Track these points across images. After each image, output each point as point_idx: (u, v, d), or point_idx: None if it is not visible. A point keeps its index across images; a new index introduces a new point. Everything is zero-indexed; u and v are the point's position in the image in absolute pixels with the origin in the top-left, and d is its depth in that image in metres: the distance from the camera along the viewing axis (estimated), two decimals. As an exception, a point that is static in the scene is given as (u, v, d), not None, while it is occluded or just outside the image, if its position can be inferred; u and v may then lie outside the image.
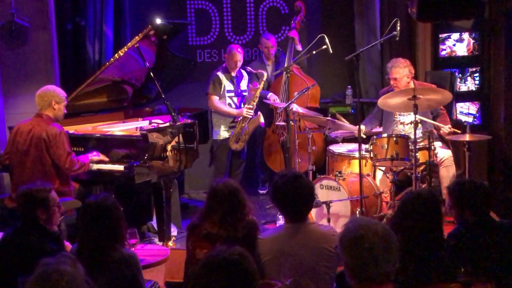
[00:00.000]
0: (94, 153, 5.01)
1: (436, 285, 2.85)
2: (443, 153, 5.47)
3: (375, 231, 2.23)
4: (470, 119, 6.67)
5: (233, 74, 6.17)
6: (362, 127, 5.63)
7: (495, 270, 3.09)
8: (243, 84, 6.25)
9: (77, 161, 4.82)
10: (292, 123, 5.76)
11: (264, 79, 6.14)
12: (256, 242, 3.24)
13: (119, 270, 3.04)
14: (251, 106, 6.09)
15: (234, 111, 6.14)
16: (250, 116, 6.09)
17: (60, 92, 4.92)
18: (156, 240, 5.27)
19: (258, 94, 6.10)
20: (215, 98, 6.14)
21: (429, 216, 2.98)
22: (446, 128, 5.39)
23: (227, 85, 6.15)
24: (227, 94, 6.16)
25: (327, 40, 5.51)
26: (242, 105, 6.21)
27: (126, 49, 5.35)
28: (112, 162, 5.05)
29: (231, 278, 2.20)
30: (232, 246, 2.32)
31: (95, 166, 4.98)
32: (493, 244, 3.15)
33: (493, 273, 3.07)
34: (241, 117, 6.10)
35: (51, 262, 2.19)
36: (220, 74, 6.16)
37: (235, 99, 6.20)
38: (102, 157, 5.02)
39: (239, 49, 6.13)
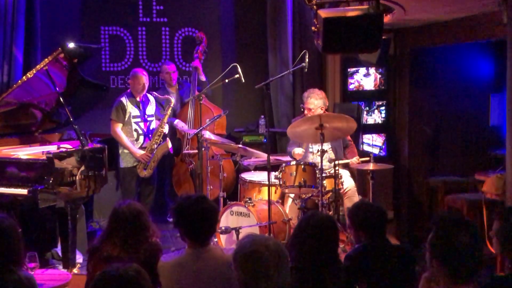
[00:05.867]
0: None
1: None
2: (347, 184, 5.64)
3: (267, 246, 2.29)
4: (376, 151, 6.94)
5: (138, 98, 6.12)
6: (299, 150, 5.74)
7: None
8: (150, 109, 6.19)
9: None
10: (205, 150, 5.80)
11: (171, 105, 6.14)
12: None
13: (15, 293, 2.94)
14: (149, 154, 6.02)
15: (131, 147, 6.04)
16: (146, 161, 6.05)
17: None
18: (61, 267, 5.12)
19: (166, 120, 6.09)
20: (118, 126, 6.05)
21: (324, 235, 3.07)
22: (354, 160, 5.59)
23: (132, 111, 6.08)
24: (132, 120, 6.08)
25: (239, 70, 5.61)
26: (151, 125, 6.17)
27: (34, 71, 5.25)
28: (15, 186, 4.90)
29: (124, 294, 2.19)
30: (128, 263, 2.32)
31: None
32: (387, 264, 3.28)
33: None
34: (147, 144, 6.07)
35: None
36: (124, 99, 6.08)
37: (141, 124, 6.12)
38: None
39: (144, 72, 6.12)
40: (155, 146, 6.06)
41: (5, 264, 2.98)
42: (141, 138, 6.13)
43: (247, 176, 5.93)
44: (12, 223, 3.11)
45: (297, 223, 3.23)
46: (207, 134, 5.95)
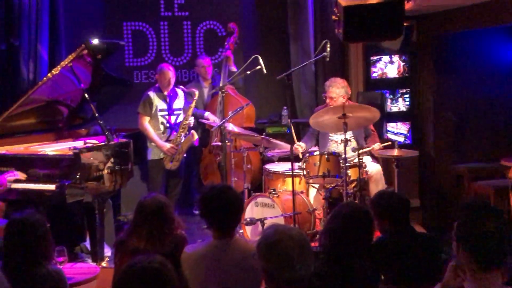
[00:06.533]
0: (10, 173, 4.96)
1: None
2: (372, 168, 5.61)
3: (290, 236, 2.30)
4: (401, 139, 6.89)
5: (166, 92, 6.20)
6: (303, 144, 5.74)
7: (414, 277, 3.21)
8: (178, 103, 6.27)
9: None
10: (228, 142, 5.82)
11: (196, 97, 6.19)
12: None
13: (44, 287, 3.01)
14: (175, 147, 6.10)
15: (158, 141, 6.13)
16: (172, 154, 6.11)
17: None
18: (90, 260, 5.20)
19: (190, 113, 6.14)
20: (145, 119, 6.16)
21: (359, 226, 3.06)
22: (375, 146, 5.55)
23: (159, 104, 6.16)
24: (159, 113, 6.17)
25: (261, 61, 5.61)
26: (179, 119, 6.23)
27: (59, 69, 5.32)
28: (43, 181, 4.99)
29: (149, 286, 2.22)
30: (153, 255, 2.34)
31: (24, 186, 4.92)
32: (412, 253, 3.27)
33: (411, 280, 3.18)
34: (175, 136, 6.13)
35: None
36: (152, 93, 6.18)
37: (168, 117, 6.21)
38: (20, 175, 4.97)
39: (170, 67, 6.19)
40: (181, 138, 6.12)
41: (34, 258, 3.05)
42: (168, 131, 6.23)
43: (271, 167, 5.94)
44: (40, 218, 3.18)
45: (331, 211, 3.22)
46: (230, 126, 5.97)
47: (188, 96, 6.31)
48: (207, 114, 6.56)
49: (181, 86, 6.32)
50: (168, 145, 6.11)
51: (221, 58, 7.08)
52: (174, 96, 6.26)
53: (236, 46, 6.77)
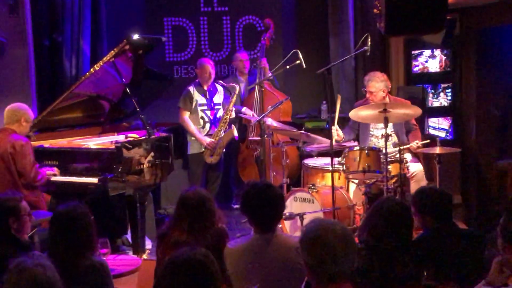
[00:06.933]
0: (50, 169, 5.10)
1: (400, 288, 2.91)
2: (415, 168, 5.53)
3: (334, 231, 2.29)
4: (443, 134, 6.78)
5: (206, 87, 6.24)
6: (341, 133, 5.70)
7: (456, 274, 3.16)
8: (217, 98, 6.31)
9: (40, 172, 4.95)
10: (267, 137, 5.83)
11: (236, 92, 6.22)
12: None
13: (88, 278, 3.06)
14: (215, 141, 6.15)
15: (198, 135, 6.19)
16: (211, 148, 6.16)
17: (31, 113, 5.09)
18: (131, 253, 5.27)
19: (231, 107, 6.18)
20: (185, 114, 6.23)
21: (400, 221, 3.04)
22: (413, 145, 5.47)
23: (199, 99, 6.22)
24: (199, 108, 6.23)
25: (300, 56, 5.59)
26: (218, 113, 6.28)
27: (101, 64, 5.39)
28: (85, 175, 5.08)
29: (193, 278, 2.24)
30: (196, 247, 2.36)
31: (67, 179, 5.03)
32: (455, 249, 3.23)
33: (454, 277, 3.14)
34: (215, 131, 6.18)
35: (26, 258, 2.24)
36: (192, 88, 6.25)
37: (208, 112, 6.27)
38: (57, 172, 5.11)
39: (210, 62, 6.25)
40: (221, 133, 6.16)
41: (79, 249, 3.10)
42: (207, 125, 6.27)
43: (310, 162, 5.91)
44: (85, 210, 3.23)
45: (371, 207, 3.20)
46: (269, 121, 5.97)
47: (227, 91, 6.35)
48: (244, 109, 6.58)
49: (221, 82, 6.37)
50: (208, 140, 6.16)
51: (259, 54, 7.07)
52: (214, 91, 6.31)
53: (271, 41, 6.77)
